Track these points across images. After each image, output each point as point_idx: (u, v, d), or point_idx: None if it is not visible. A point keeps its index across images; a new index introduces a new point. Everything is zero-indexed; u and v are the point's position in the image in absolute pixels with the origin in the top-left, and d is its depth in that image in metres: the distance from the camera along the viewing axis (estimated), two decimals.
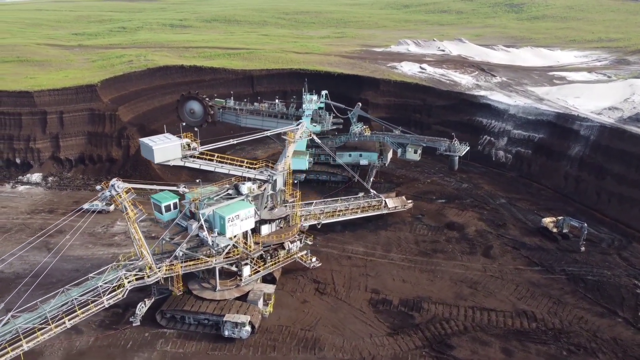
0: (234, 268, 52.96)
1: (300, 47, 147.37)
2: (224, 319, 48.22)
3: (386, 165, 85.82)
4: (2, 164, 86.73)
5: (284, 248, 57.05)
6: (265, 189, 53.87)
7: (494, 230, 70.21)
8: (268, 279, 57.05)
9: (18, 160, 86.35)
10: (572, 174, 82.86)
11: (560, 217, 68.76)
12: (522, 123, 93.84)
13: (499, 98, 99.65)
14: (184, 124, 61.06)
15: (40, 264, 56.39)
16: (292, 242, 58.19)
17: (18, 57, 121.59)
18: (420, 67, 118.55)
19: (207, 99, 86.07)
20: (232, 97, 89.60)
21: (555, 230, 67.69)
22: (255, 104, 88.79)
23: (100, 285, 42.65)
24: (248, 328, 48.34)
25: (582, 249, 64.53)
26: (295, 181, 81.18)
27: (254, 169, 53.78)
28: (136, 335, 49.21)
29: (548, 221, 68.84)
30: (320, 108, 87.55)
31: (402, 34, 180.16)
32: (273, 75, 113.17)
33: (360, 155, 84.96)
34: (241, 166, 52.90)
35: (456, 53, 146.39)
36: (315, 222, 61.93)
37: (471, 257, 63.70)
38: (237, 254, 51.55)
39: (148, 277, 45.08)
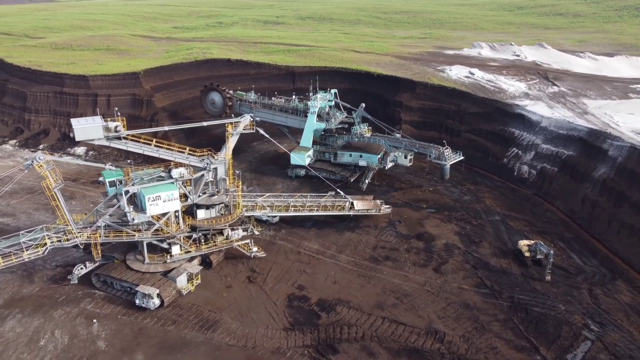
0: (165, 245, 57.34)
1: (368, 46, 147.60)
2: (137, 288, 52.90)
3: (386, 168, 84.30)
4: (60, 136, 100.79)
5: (222, 234, 60.16)
6: (202, 175, 57.34)
7: (464, 246, 66.24)
8: (207, 261, 60.65)
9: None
10: (591, 198, 74.26)
11: (533, 242, 62.76)
12: (552, 137, 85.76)
13: (536, 109, 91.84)
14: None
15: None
16: (233, 230, 61.07)
17: (108, 46, 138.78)
18: (470, 71, 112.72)
19: (226, 90, 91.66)
20: (253, 91, 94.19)
21: (528, 254, 62.03)
22: (273, 98, 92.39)
23: (23, 242, 49.72)
24: (156, 300, 52.48)
25: (547, 277, 58.57)
26: (294, 176, 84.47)
27: (197, 156, 57.60)
28: (71, 292, 56.01)
29: (523, 244, 63.28)
30: (329, 106, 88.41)
31: (494, 37, 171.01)
32: (314, 73, 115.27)
33: (360, 156, 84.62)
34: (182, 152, 56.99)
35: (531, 59, 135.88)
36: (261, 214, 63.95)
37: (419, 270, 61.15)
38: (167, 233, 55.83)
39: (67, 240, 51.33)
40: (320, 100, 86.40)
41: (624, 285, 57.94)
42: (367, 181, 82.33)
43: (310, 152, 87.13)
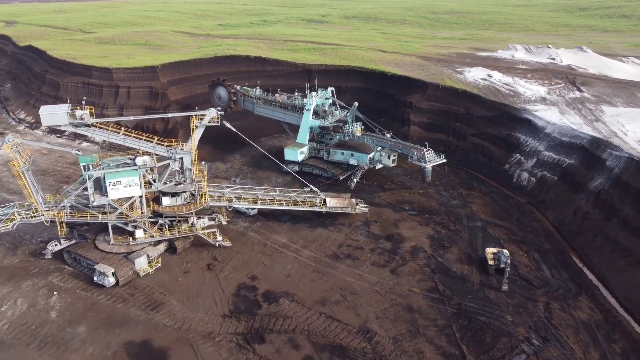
0: (130, 228, 60.81)
1: (398, 46, 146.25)
2: (95, 266, 56.66)
3: (376, 168, 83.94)
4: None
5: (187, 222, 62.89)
6: (168, 164, 60.27)
7: (431, 250, 65.08)
8: (173, 246, 63.62)
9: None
10: (583, 210, 70.52)
11: (497, 250, 60.67)
12: (555, 145, 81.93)
13: (545, 114, 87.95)
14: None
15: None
16: (199, 218, 63.66)
17: (146, 41, 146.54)
18: (488, 73, 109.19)
19: (231, 85, 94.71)
20: (258, 87, 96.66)
21: (492, 262, 60.09)
22: (276, 95, 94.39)
23: None
24: (111, 279, 55.96)
25: (504, 287, 56.58)
26: (288, 171, 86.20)
27: (164, 146, 60.64)
28: (44, 265, 60.77)
29: (489, 252, 61.38)
30: (328, 104, 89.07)
31: (542, 39, 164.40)
32: (331, 71, 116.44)
33: (352, 155, 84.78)
34: (150, 141, 60.19)
35: (567, 62, 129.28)
36: (227, 204, 65.96)
37: (375, 270, 60.89)
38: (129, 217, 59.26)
39: (32, 217, 55.87)
40: (318, 98, 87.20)
41: (586, 302, 54.91)
42: (355, 180, 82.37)
43: (305, 149, 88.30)
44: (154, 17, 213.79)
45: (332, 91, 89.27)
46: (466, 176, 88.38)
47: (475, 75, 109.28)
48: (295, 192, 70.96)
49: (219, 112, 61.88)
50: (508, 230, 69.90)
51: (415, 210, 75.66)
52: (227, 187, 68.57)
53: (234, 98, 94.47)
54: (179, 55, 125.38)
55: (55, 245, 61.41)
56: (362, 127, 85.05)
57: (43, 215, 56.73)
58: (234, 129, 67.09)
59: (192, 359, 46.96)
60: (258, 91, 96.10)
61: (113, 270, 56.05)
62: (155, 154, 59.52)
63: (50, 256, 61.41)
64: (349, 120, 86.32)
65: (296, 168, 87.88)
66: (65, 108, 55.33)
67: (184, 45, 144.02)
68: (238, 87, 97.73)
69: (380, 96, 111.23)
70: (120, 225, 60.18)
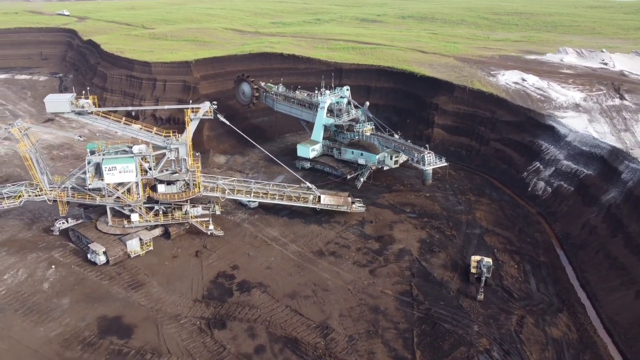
0: (127, 212, 64.84)
1: (441, 46, 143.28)
2: (90, 245, 61.10)
3: (383, 169, 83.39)
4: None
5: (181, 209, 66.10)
6: (164, 154, 63.67)
7: (418, 254, 64.15)
8: (168, 232, 67.07)
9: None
10: (591, 224, 66.73)
11: (480, 258, 58.79)
12: (574, 154, 77.76)
13: (571, 122, 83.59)
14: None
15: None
16: (193, 207, 66.70)
17: (195, 37, 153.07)
18: (522, 77, 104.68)
19: (254, 82, 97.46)
20: (280, 84, 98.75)
21: (474, 270, 58.42)
22: (297, 91, 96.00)
23: (5, 192, 60.53)
24: (102, 257, 60.10)
25: (479, 297, 54.93)
26: (300, 167, 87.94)
27: (162, 136, 64.12)
28: (52, 241, 66.12)
29: (473, 259, 59.66)
30: (344, 103, 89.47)
31: (607, 43, 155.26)
32: (361, 70, 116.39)
33: (361, 154, 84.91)
34: (149, 132, 63.87)
35: (619, 68, 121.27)
36: (219, 195, 68.28)
37: (355, 269, 61.01)
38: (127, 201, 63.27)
39: (37, 195, 61.11)
40: (333, 97, 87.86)
41: (564, 319, 52.21)
42: (362, 179, 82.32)
43: (317, 146, 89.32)
44: (213, 15, 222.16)
45: (347, 90, 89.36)
46: (481, 182, 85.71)
47: (508, 79, 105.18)
48: (291, 187, 72.19)
49: (212, 106, 64.29)
50: (505, 240, 67.35)
51: (415, 213, 74.59)
52: (223, 178, 70.97)
53: (256, 94, 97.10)
54: (219, 51, 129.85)
55: (63, 223, 66.57)
56: (373, 127, 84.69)
57: (46, 194, 61.86)
58: (228, 122, 69.43)
59: (153, 338, 49.59)
60: (281, 88, 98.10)
61: (104, 249, 60.08)
62: (153, 144, 62.85)
63: (58, 233, 66.66)
64: (360, 120, 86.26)
65: (308, 165, 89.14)
66: (68, 97, 60.02)
67: (230, 42, 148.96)
68: (262, 84, 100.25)
69: (408, 97, 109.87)
70: (117, 208, 64.26)
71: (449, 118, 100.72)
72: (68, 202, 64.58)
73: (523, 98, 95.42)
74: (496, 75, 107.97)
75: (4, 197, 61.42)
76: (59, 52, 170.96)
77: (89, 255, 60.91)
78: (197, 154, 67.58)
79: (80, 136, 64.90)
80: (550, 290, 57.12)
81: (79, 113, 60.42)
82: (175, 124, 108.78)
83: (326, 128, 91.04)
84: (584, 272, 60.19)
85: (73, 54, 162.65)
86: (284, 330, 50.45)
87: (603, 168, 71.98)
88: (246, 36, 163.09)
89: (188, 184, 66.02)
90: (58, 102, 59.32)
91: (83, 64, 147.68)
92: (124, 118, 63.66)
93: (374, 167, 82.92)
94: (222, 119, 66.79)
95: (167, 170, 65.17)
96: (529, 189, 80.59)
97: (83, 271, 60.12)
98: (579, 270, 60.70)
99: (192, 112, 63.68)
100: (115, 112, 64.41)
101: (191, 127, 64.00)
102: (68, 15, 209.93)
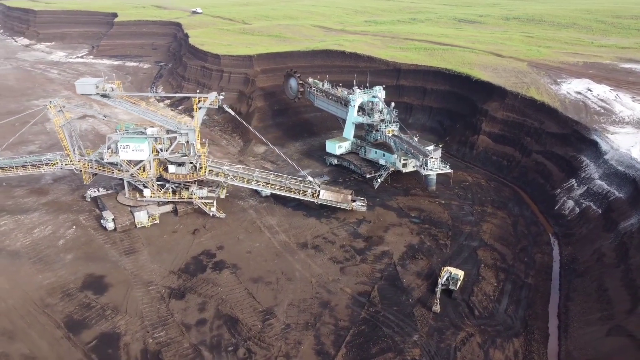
0: (141, 187, 72.39)
1: (525, 50, 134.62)
2: (102, 212, 69.59)
3: (403, 171, 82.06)
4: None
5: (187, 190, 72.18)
6: (175, 137, 70.01)
7: (398, 259, 63.23)
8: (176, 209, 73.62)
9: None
10: (602, 252, 60.58)
11: (448, 270, 56.49)
12: (609, 173, 70.47)
13: (617, 138, 75.53)
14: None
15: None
16: (199, 188, 72.42)
17: (279, 33, 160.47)
18: (588, 87, 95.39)
19: (300, 77, 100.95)
20: (326, 81, 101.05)
21: (441, 281, 56.41)
22: (339, 88, 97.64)
23: (42, 159, 71.19)
24: (110, 224, 68.14)
25: (434, 308, 53.18)
26: (329, 163, 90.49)
27: (175, 121, 70.57)
28: (84, 206, 75.99)
29: (443, 270, 57.64)
30: (375, 102, 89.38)
31: None
32: (419, 71, 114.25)
33: (383, 155, 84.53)
34: (164, 117, 70.68)
35: None
36: (222, 180, 72.72)
37: (328, 264, 62.08)
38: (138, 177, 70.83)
39: (67, 164, 70.84)
40: (365, 96, 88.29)
41: (516, 345, 48.92)
42: (379, 180, 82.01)
43: (346, 144, 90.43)
44: (313, 12, 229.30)
45: (380, 90, 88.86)
46: (508, 195, 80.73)
47: (571, 88, 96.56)
48: (294, 179, 74.62)
49: (218, 97, 68.90)
50: (499, 256, 63.49)
51: (418, 219, 72.92)
52: (230, 164, 75.51)
53: (301, 89, 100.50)
54: (290, 47, 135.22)
55: (94, 191, 76.13)
56: (397, 128, 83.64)
57: (74, 164, 71.45)
58: (233, 113, 73.16)
59: (120, 298, 55.67)
60: (326, 85, 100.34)
61: (113, 217, 67.95)
62: (167, 128, 69.39)
63: (89, 200, 76.36)
64: (386, 120, 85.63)
65: (335, 161, 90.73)
66: (95, 81, 68.58)
67: (309, 39, 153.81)
68: (310, 80, 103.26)
69: (461, 101, 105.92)
70: (132, 183, 71.98)
71: (497, 125, 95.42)
72: (95, 174, 73.67)
73: (578, 109, 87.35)
74: (561, 84, 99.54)
75: (42, 163, 72.06)
76: (166, 43, 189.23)
77: (102, 222, 69.20)
78: (204, 140, 72.75)
79: (104, 116, 73.67)
80: (519, 313, 53.28)
81: (103, 95, 68.72)
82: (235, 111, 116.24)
83: (361, 126, 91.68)
84: (569, 300, 55.03)
85: (175, 45, 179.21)
86: (231, 310, 53.60)
87: (633, 192, 64.37)
88: (330, 33, 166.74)
89: (195, 167, 71.59)
90: (86, 84, 68.15)
91: (178, 54, 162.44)
92: (144, 103, 70.93)
93: (392, 169, 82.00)
94: (227, 109, 71.14)
95: (178, 152, 71.28)
96: (556, 207, 74.28)
97: (94, 234, 68.57)
98: (564, 298, 55.66)
99: (201, 101, 68.87)
100: (139, 97, 71.65)
101: (199, 115, 69.32)
102: (201, 14, 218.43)
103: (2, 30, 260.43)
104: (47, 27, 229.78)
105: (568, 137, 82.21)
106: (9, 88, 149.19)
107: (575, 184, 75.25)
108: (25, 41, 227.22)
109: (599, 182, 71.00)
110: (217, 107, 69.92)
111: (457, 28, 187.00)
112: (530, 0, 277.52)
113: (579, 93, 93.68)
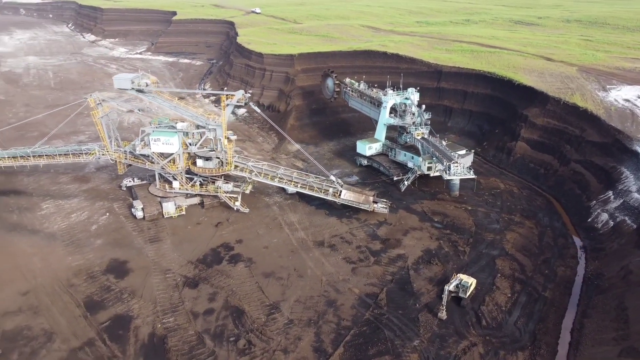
0: (171, 178, 75.61)
1: (579, 53, 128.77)
2: (133, 201, 73.31)
3: (431, 175, 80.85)
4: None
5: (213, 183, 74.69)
6: (204, 132, 72.63)
7: (413, 263, 62.64)
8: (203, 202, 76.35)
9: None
10: (629, 269, 57.55)
11: (458, 278, 55.41)
12: None
13: None
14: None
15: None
16: (226, 183, 74.78)
17: (327, 33, 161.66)
18: (639, 94, 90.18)
19: (336, 77, 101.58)
20: (362, 81, 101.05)
21: (452, 288, 55.51)
22: (374, 89, 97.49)
23: (82, 148, 75.81)
24: (139, 213, 71.70)
25: (439, 314, 52.46)
26: (359, 163, 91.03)
27: (204, 117, 73.25)
28: (120, 195, 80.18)
29: (455, 276, 56.66)
30: (408, 104, 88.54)
31: None
32: (461, 74, 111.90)
33: (412, 158, 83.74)
34: (194, 112, 73.50)
35: None
36: (247, 175, 74.45)
37: (341, 264, 62.41)
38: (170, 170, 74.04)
39: (103, 154, 75.05)
40: (397, 97, 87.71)
41: (521, 358, 47.42)
42: (406, 183, 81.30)
43: (377, 145, 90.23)
44: (366, 12, 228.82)
45: (414, 92, 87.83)
46: (539, 204, 77.86)
47: (620, 95, 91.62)
48: (317, 178, 75.34)
49: (245, 95, 70.73)
50: (519, 267, 61.52)
51: (441, 224, 71.79)
52: (255, 161, 77.20)
53: (337, 89, 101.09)
54: (335, 47, 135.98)
55: (130, 181, 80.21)
56: (425, 131, 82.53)
57: (110, 155, 75.58)
58: (259, 111, 74.97)
59: (138, 283, 58.54)
60: (362, 85, 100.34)
61: (142, 206, 71.41)
62: (193, 122, 72.10)
63: (125, 189, 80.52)
64: (417, 122, 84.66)
65: (365, 162, 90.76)
66: (131, 76, 72.24)
67: (355, 39, 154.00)
68: (347, 80, 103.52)
69: (502, 105, 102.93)
70: (163, 174, 75.26)
71: (536, 132, 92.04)
72: (129, 165, 77.60)
73: (624, 118, 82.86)
74: (609, 90, 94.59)
75: (82, 152, 76.75)
76: (219, 41, 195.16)
77: (132, 210, 72.85)
78: (230, 136, 74.81)
79: (139, 109, 77.36)
80: (529, 327, 51.54)
81: (138, 90, 72.26)
82: (272, 110, 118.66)
83: (394, 128, 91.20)
84: (585, 317, 52.63)
85: (227, 44, 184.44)
86: (239, 302, 55.16)
87: None
88: (378, 34, 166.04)
89: (222, 162, 73.86)
90: (122, 80, 71.97)
91: (227, 52, 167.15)
92: (176, 98, 73.94)
93: (419, 172, 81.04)
94: (253, 106, 72.85)
95: (206, 147, 73.81)
96: (589, 220, 70.99)
97: (125, 221, 72.31)
98: (580, 315, 53.26)
99: (228, 98, 70.99)
100: (171, 93, 74.78)
101: (227, 112, 71.49)
102: (259, 13, 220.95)
103: (73, 27, 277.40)
104: (113, 24, 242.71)
105: (609, 147, 78.27)
106: (71, 81, 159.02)
107: (612, 196, 71.62)
108: (92, 37, 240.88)
109: (636, 195, 67.29)
110: (243, 104, 71.71)
111: (511, 30, 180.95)
112: (596, 1, 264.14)
113: (628, 101, 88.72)
